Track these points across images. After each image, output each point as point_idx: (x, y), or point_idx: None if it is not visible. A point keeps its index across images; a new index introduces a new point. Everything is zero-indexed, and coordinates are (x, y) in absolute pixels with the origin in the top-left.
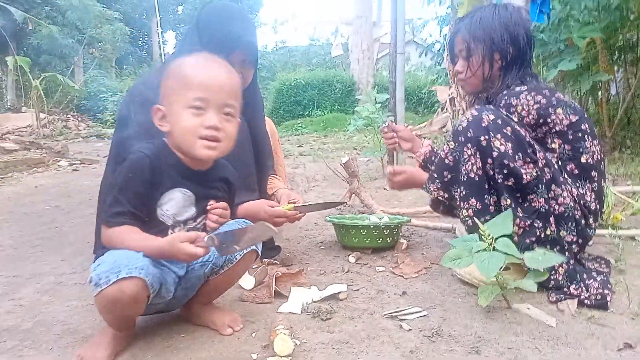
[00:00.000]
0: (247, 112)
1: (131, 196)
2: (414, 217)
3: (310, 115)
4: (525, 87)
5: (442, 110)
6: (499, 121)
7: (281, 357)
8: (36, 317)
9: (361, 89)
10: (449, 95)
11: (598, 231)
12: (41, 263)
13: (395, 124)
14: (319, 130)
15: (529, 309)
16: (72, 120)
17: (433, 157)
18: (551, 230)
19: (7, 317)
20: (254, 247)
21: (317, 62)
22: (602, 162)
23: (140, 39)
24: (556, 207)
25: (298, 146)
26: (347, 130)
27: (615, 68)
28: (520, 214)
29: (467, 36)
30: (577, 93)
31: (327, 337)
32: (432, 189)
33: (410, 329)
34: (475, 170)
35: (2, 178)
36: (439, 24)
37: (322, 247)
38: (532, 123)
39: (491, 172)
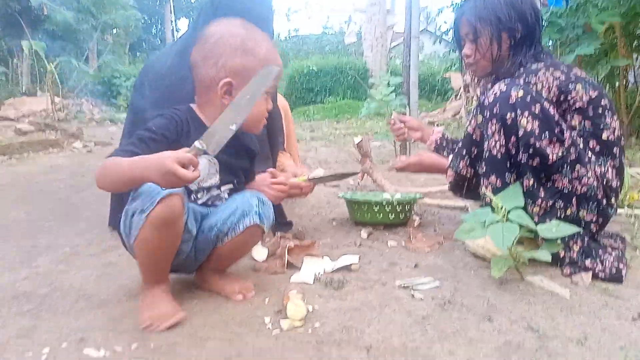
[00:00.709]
0: None
1: (148, 144)
2: (426, 196)
3: (323, 102)
4: (542, 64)
5: (455, 98)
6: (528, 98)
7: (294, 320)
8: (52, 283)
9: (374, 76)
10: (463, 81)
11: None
12: (56, 236)
13: (409, 107)
14: (331, 116)
15: (542, 281)
16: (86, 105)
17: (444, 144)
18: (572, 211)
19: (25, 283)
20: (257, 221)
21: (329, 50)
22: (622, 138)
23: (154, 26)
24: (579, 187)
25: (310, 132)
26: (360, 115)
27: (635, 55)
28: (543, 195)
29: (472, 18)
30: (595, 79)
31: (340, 305)
32: (461, 167)
33: (422, 298)
34: (498, 148)
35: (17, 158)
36: (454, 11)
37: (334, 223)
38: (553, 101)
39: (514, 151)
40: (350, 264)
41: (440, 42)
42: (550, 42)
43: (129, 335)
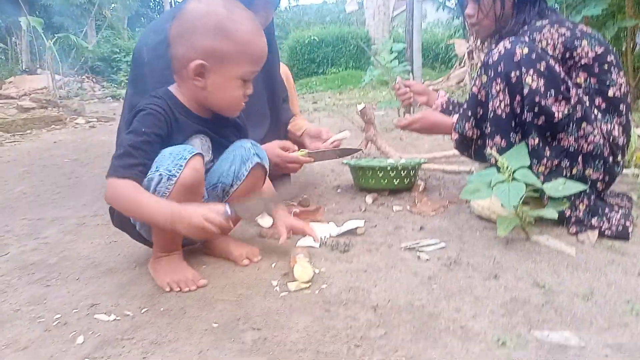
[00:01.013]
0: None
1: (145, 149)
2: (430, 161)
3: (325, 73)
4: (547, 21)
5: (459, 65)
6: (533, 56)
7: (301, 282)
8: (61, 253)
9: (377, 46)
10: (467, 48)
11: None
12: (63, 208)
13: (413, 74)
14: (333, 87)
15: (548, 240)
16: (87, 82)
17: (450, 107)
18: (577, 170)
19: (33, 253)
20: (258, 160)
21: (331, 19)
22: (629, 95)
23: (152, 1)
24: (585, 145)
25: (313, 103)
26: (362, 83)
27: None
28: (548, 154)
29: None
30: None
31: (346, 267)
32: (466, 129)
33: (428, 259)
34: (502, 107)
35: (21, 135)
36: None
37: (338, 190)
38: (558, 58)
39: (519, 110)
40: (356, 228)
41: (443, 9)
42: (556, 4)
43: (138, 300)
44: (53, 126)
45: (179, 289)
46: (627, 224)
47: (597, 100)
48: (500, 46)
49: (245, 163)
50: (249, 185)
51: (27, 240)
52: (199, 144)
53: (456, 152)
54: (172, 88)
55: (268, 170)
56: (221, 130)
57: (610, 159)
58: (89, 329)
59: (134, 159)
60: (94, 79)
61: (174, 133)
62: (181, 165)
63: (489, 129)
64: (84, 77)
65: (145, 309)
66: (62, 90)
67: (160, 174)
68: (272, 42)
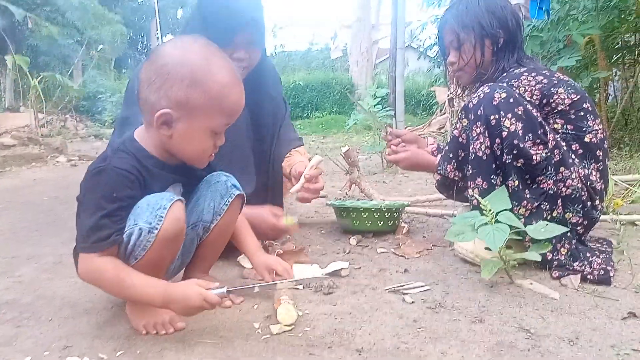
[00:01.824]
0: (254, 93)
1: (119, 215)
2: (414, 205)
3: (309, 117)
4: (525, 68)
5: (440, 112)
6: (511, 100)
7: (284, 325)
8: (36, 291)
9: (360, 92)
10: (448, 95)
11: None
12: (40, 246)
13: (396, 119)
14: (318, 131)
15: (531, 284)
16: (71, 121)
17: (439, 154)
18: (558, 212)
19: (6, 292)
20: (237, 192)
21: (315, 65)
22: (605, 141)
23: (140, 43)
24: (564, 189)
25: None
26: (347, 127)
27: (613, 70)
28: (528, 196)
29: (455, 26)
30: None
31: (330, 309)
32: (448, 170)
33: (413, 302)
34: (483, 149)
35: (0, 172)
36: (437, 22)
37: (322, 231)
38: (535, 104)
39: (499, 152)
40: (340, 269)
41: (424, 58)
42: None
43: (114, 342)
44: (33, 164)
45: (155, 331)
46: (609, 268)
47: (574, 146)
48: (480, 91)
49: (224, 197)
50: (228, 219)
51: (1, 278)
52: (170, 188)
53: (440, 195)
54: (138, 135)
55: (245, 199)
56: (193, 172)
57: (589, 203)
58: None
59: (107, 230)
60: (77, 118)
61: (148, 187)
62: (162, 216)
63: (471, 170)
64: (67, 115)
65: (121, 352)
66: (44, 129)
67: (140, 228)
68: (266, 76)
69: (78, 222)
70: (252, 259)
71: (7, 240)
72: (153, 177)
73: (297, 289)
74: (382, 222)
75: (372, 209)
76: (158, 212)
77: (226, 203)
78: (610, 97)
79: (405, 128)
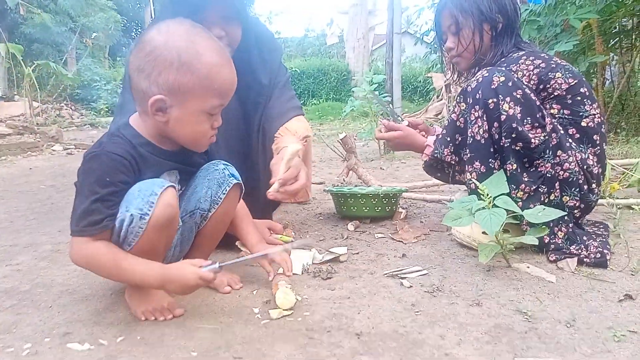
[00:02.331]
0: (243, 72)
1: (112, 200)
2: (411, 191)
3: (306, 104)
4: (523, 52)
5: (437, 98)
6: (510, 83)
7: (283, 310)
8: (34, 280)
9: (356, 78)
10: (445, 81)
11: None
12: (37, 234)
13: (392, 105)
14: (314, 118)
15: (528, 267)
16: (66, 109)
17: None
18: (555, 196)
19: (5, 280)
20: (235, 181)
21: (312, 52)
22: (603, 125)
23: (134, 30)
24: (561, 172)
25: None
26: (344, 114)
27: (611, 55)
28: (526, 179)
29: (454, 10)
30: None
31: (329, 294)
32: (445, 154)
33: (411, 286)
34: (481, 133)
35: None
36: (434, 7)
37: (320, 217)
38: (533, 89)
39: (497, 136)
40: (339, 255)
41: (421, 44)
42: (529, 40)
43: (114, 328)
44: (29, 153)
45: (153, 318)
46: (605, 251)
47: (571, 130)
48: (479, 75)
49: (221, 186)
50: (226, 208)
51: None
52: (166, 175)
53: (437, 181)
54: (134, 121)
55: (243, 190)
56: (190, 159)
57: (586, 187)
58: (61, 359)
59: (99, 215)
60: (72, 107)
61: (143, 173)
62: (153, 202)
63: (468, 154)
64: (62, 104)
65: (122, 338)
66: (39, 117)
67: (132, 214)
68: (253, 43)
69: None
70: (252, 251)
71: (4, 229)
72: (148, 163)
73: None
74: (379, 208)
75: (370, 195)
76: (149, 198)
77: (224, 192)
78: (608, 82)
79: (403, 114)
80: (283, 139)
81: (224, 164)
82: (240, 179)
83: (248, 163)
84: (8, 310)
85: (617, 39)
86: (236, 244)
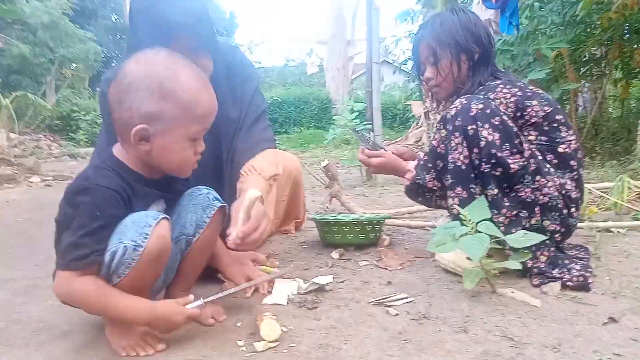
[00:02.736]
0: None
1: (101, 234)
2: (395, 217)
3: (288, 132)
4: (500, 81)
5: (417, 125)
6: (488, 110)
7: (268, 342)
8: (10, 316)
9: (337, 107)
10: (424, 109)
11: None
12: (13, 269)
13: (373, 132)
14: (296, 146)
15: (513, 292)
16: (44, 140)
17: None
18: (536, 220)
19: None
20: (220, 204)
21: (292, 81)
22: (579, 151)
23: (114, 61)
24: (541, 197)
25: None
26: (326, 141)
27: (582, 82)
28: (507, 204)
29: (432, 42)
30: None
31: (314, 324)
32: (427, 180)
33: (397, 314)
34: (462, 159)
35: None
36: (412, 38)
37: (304, 246)
38: (510, 116)
39: (477, 162)
40: (324, 284)
41: (399, 72)
42: (504, 69)
43: None
44: (6, 185)
45: (135, 353)
46: (587, 275)
47: (549, 156)
48: (457, 102)
49: (206, 210)
50: (210, 232)
51: None
52: (153, 206)
53: (420, 207)
54: (118, 152)
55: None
56: (173, 186)
57: (565, 211)
58: None
59: (86, 249)
60: (51, 138)
61: (134, 205)
62: (147, 234)
63: (450, 180)
64: (40, 135)
65: None
66: (17, 149)
67: (125, 246)
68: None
69: (58, 242)
70: (226, 271)
71: None
72: (137, 194)
73: (280, 304)
74: (363, 235)
75: (354, 222)
76: (143, 230)
77: (208, 216)
78: (580, 108)
79: (383, 142)
80: (247, 179)
81: (206, 189)
82: (224, 202)
83: (221, 195)
84: None
85: (588, 67)
86: (217, 275)
